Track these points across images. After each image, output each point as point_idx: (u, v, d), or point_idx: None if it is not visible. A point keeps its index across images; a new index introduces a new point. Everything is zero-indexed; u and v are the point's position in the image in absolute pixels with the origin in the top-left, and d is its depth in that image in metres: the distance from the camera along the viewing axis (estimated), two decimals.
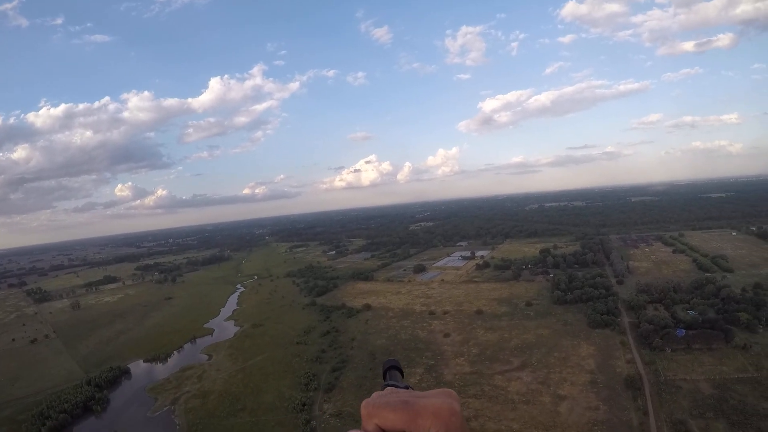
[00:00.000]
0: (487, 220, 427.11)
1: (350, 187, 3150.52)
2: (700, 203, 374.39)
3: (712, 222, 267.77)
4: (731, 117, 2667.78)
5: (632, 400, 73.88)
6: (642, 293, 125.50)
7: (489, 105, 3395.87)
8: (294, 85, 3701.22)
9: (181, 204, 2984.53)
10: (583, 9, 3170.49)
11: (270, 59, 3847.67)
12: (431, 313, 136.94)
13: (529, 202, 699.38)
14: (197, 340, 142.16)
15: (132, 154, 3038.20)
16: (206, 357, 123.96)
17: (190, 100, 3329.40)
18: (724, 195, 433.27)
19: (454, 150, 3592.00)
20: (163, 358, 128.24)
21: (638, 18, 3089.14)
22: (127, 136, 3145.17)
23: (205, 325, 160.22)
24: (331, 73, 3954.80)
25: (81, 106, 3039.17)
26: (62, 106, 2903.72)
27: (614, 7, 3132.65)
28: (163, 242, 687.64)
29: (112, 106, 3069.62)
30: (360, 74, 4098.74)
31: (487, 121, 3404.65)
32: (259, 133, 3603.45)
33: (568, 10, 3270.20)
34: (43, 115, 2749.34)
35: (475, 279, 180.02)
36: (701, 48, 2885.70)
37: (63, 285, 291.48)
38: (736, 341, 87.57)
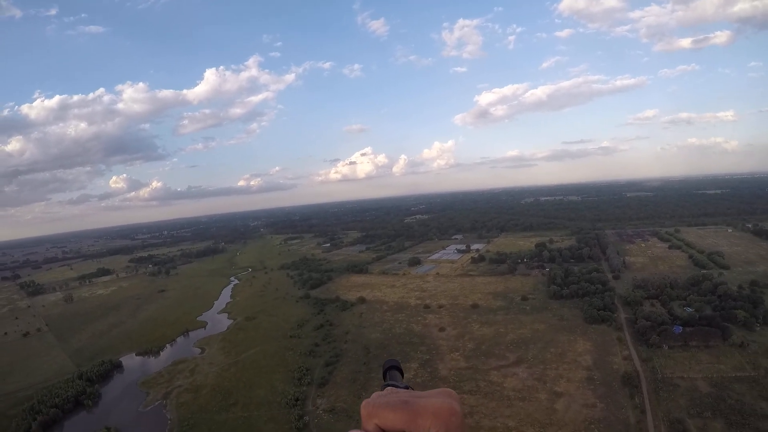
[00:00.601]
0: (482, 213, 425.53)
1: (345, 180, 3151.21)
2: (695, 199, 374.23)
3: (707, 218, 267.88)
4: (727, 114, 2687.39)
5: (629, 398, 73.19)
6: (638, 289, 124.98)
7: (485, 98, 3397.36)
8: (290, 77, 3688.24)
9: (175, 196, 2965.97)
10: (581, 4, 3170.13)
11: (266, 51, 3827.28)
12: (426, 306, 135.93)
13: (524, 195, 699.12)
14: (190, 333, 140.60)
15: (127, 146, 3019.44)
16: (199, 350, 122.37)
17: (185, 91, 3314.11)
18: (719, 191, 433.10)
19: (450, 143, 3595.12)
20: (156, 351, 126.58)
21: (636, 13, 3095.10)
22: (122, 128, 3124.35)
23: (199, 318, 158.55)
24: (327, 65, 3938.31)
25: (75, 97, 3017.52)
26: (57, 98, 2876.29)
27: (612, 3, 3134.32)
28: (157, 234, 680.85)
29: (106, 98, 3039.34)
30: (356, 66, 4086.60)
31: (483, 115, 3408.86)
32: (255, 125, 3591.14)
33: (566, 4, 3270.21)
34: (37, 107, 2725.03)
35: (471, 272, 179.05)
36: (698, 45, 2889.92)
37: (56, 278, 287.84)
38: (734, 339, 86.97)
